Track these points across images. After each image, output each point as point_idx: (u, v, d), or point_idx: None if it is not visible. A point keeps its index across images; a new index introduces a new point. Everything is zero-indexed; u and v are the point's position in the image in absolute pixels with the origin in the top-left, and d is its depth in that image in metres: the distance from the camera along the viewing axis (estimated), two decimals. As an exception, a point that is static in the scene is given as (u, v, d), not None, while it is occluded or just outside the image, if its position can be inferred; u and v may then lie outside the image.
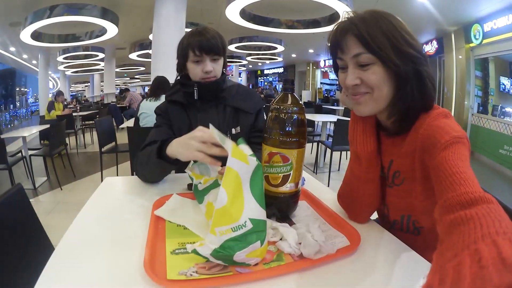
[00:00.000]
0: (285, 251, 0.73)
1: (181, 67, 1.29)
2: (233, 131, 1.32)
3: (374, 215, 0.98)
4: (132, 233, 0.81)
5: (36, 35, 9.14)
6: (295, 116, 0.82)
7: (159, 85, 3.61)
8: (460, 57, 7.36)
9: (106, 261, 0.69)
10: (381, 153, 0.89)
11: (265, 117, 1.33)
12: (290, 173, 0.83)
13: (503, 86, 6.26)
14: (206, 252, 0.64)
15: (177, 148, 0.95)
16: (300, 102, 0.85)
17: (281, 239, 0.77)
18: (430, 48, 8.86)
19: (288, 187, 0.85)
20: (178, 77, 1.33)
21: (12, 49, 12.22)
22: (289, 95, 0.84)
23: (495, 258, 0.34)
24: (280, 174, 0.83)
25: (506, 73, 6.25)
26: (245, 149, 0.72)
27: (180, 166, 1.03)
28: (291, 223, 0.87)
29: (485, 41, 6.46)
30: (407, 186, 0.81)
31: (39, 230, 1.12)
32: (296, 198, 0.90)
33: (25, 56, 13.42)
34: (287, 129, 0.81)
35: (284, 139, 0.81)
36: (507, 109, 5.86)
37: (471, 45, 6.95)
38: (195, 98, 1.27)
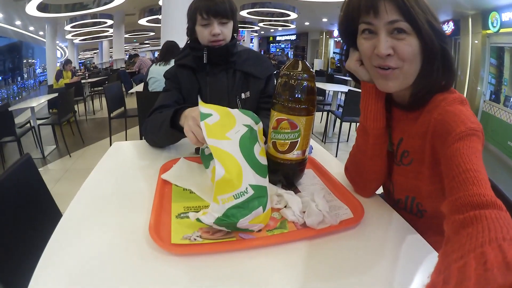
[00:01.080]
0: (288, 219, 0.73)
1: (191, 31, 1.27)
2: (243, 95, 1.32)
3: (380, 190, 0.97)
4: (139, 197, 0.82)
5: (42, 7, 9.01)
6: (305, 83, 0.80)
7: (168, 50, 3.55)
8: (476, 42, 7.13)
9: (112, 226, 0.70)
10: (391, 128, 0.87)
11: (275, 83, 1.32)
12: (297, 140, 0.82)
13: (518, 78, 6.09)
14: (210, 220, 0.63)
15: (182, 120, 0.98)
16: (311, 69, 0.82)
17: (285, 207, 0.77)
18: (446, 29, 8.53)
19: (295, 154, 0.84)
20: (188, 41, 1.32)
21: (18, 22, 12.08)
22: (300, 61, 0.82)
23: (500, 262, 0.35)
24: (287, 141, 0.82)
25: (522, 66, 6.06)
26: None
27: None
28: (296, 191, 0.87)
29: (502, 30, 6.24)
30: (415, 168, 0.80)
31: (48, 198, 1.14)
32: (302, 166, 0.89)
33: (31, 28, 13.29)
34: (296, 95, 0.80)
35: (293, 106, 0.80)
36: (520, 102, 5.72)
37: (488, 31, 6.71)
38: (205, 62, 1.25)
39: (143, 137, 1.24)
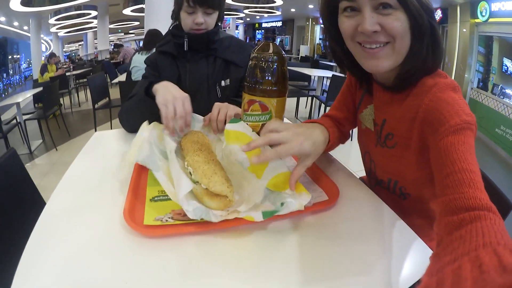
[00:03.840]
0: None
1: (176, 15, 1.26)
2: (223, 83, 1.31)
3: (362, 173, 0.97)
4: (118, 183, 0.82)
5: (26, 1, 8.79)
6: (275, 65, 0.80)
7: (151, 38, 3.52)
8: (464, 30, 7.14)
9: (92, 215, 0.70)
10: (374, 107, 0.85)
11: None
12: None
13: (506, 67, 6.08)
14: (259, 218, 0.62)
15: (161, 88, 0.96)
16: (282, 52, 0.83)
17: None
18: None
19: None
20: (171, 27, 1.31)
21: (2, 19, 11.76)
22: (270, 43, 0.83)
23: (496, 265, 0.34)
24: (259, 123, 0.83)
25: (510, 55, 6.05)
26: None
27: None
28: None
29: (491, 19, 6.21)
30: (399, 152, 0.78)
31: (33, 192, 1.15)
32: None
33: (15, 23, 12.96)
34: (266, 77, 0.80)
35: (263, 87, 0.81)
36: (508, 91, 5.70)
37: (477, 20, 6.70)
38: (185, 49, 1.25)
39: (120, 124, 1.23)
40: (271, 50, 0.81)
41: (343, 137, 0.99)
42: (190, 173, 0.73)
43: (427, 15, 0.64)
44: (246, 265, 0.57)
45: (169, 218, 0.66)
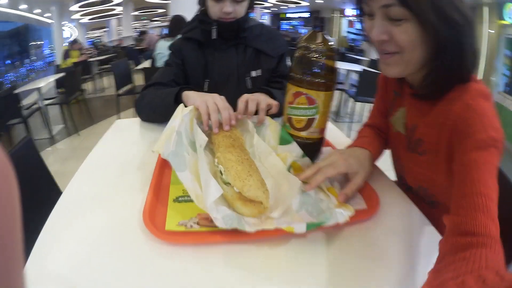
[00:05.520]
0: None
1: (202, 1, 1.17)
2: (253, 73, 1.22)
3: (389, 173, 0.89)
4: (138, 179, 0.76)
5: None
6: (325, 56, 0.73)
7: (176, 24, 3.41)
8: (491, 31, 6.97)
9: (109, 211, 0.64)
10: (405, 111, 0.80)
11: (288, 62, 1.23)
12: (315, 117, 0.76)
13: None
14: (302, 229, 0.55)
15: (194, 93, 0.92)
16: (331, 42, 0.76)
17: None
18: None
19: (312, 132, 0.78)
20: (198, 13, 1.22)
21: (23, 6, 11.99)
22: (320, 33, 0.75)
23: (499, 282, 0.37)
24: (304, 117, 0.76)
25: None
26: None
27: None
28: None
29: None
30: (429, 159, 0.74)
31: (48, 179, 1.13)
32: (319, 145, 0.84)
33: (37, 10, 13.25)
34: (315, 68, 0.73)
35: (311, 79, 0.73)
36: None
37: (504, 22, 6.53)
38: (214, 37, 1.16)
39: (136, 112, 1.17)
40: (320, 40, 0.74)
41: (387, 144, 0.95)
42: (220, 172, 0.65)
43: (449, 28, 0.59)
44: (280, 279, 0.51)
45: (195, 223, 0.59)
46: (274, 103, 0.91)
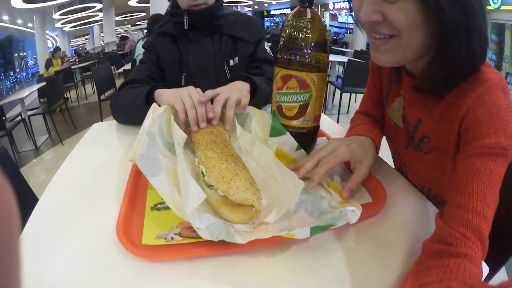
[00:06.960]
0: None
1: None
2: (231, 62, 1.18)
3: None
4: (114, 186, 0.68)
5: None
6: (316, 33, 0.65)
7: (154, 23, 3.34)
8: None
9: (82, 224, 0.57)
10: (403, 100, 0.73)
11: (265, 47, 1.20)
12: (308, 103, 0.68)
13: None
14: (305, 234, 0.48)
15: (166, 91, 0.83)
16: (322, 18, 0.67)
17: None
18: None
19: (306, 121, 0.70)
20: (169, 8, 1.18)
21: (5, 17, 11.78)
22: (308, 8, 0.67)
23: (484, 284, 0.39)
24: (296, 103, 0.68)
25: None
26: None
27: None
28: None
29: (503, 7, 6.13)
30: (436, 158, 0.67)
31: (25, 190, 1.10)
32: (314, 135, 0.75)
33: (19, 21, 13.06)
34: (306, 47, 0.65)
35: (301, 60, 0.65)
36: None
37: (489, 7, 6.61)
38: (185, 28, 1.11)
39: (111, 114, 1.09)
40: (309, 16, 0.66)
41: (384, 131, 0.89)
42: (202, 173, 0.56)
43: (463, 12, 0.49)
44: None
45: (176, 234, 0.51)
46: (243, 94, 0.78)
